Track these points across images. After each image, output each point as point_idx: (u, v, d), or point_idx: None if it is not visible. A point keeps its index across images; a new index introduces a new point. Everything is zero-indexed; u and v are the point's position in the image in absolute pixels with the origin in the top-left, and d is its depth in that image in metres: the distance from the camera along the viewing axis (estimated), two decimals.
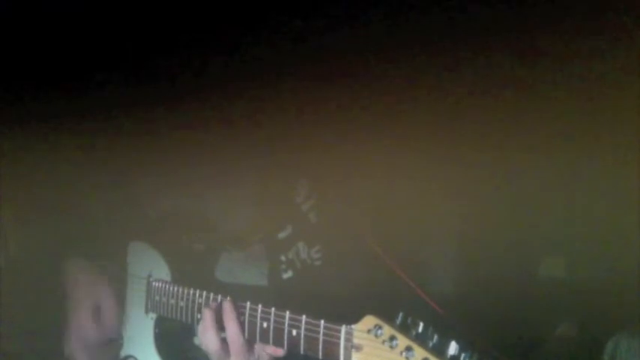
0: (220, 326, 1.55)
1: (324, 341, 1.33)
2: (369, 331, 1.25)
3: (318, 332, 1.34)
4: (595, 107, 1.90)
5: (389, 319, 1.24)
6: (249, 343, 1.53)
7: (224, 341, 1.55)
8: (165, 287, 1.80)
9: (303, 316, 1.38)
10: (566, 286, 2.12)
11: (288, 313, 1.42)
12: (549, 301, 2.05)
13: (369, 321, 1.26)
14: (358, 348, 1.27)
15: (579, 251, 2.10)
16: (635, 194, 1.83)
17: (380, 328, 1.23)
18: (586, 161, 1.97)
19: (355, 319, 1.28)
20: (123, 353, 1.96)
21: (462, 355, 1.14)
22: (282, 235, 1.90)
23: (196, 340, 1.84)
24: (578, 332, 2.06)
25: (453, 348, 1.15)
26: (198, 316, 1.65)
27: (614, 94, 1.83)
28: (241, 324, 1.53)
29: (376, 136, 1.89)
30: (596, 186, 1.97)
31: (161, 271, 1.85)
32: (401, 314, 1.22)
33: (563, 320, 2.07)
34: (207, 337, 1.56)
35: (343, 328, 1.30)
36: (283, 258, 1.91)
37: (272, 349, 1.48)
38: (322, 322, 1.34)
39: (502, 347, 1.62)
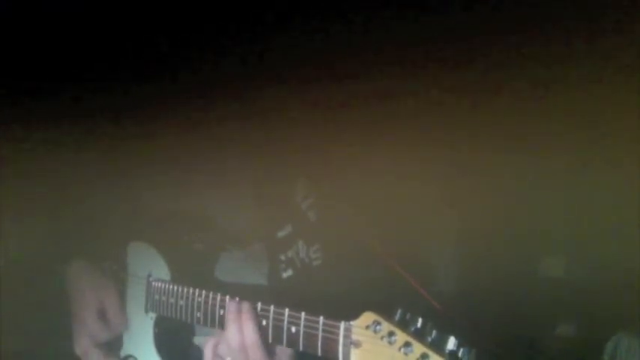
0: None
1: (323, 337, 1.33)
2: (367, 327, 1.25)
3: (317, 329, 1.34)
4: (595, 107, 1.90)
5: (388, 315, 1.24)
6: (271, 347, 1.50)
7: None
8: (164, 286, 1.80)
9: (302, 313, 1.38)
10: (566, 286, 2.11)
11: (287, 310, 1.42)
12: (549, 301, 2.05)
13: (367, 317, 1.26)
14: (357, 344, 1.26)
15: (579, 251, 2.10)
16: (635, 194, 1.83)
17: (379, 324, 1.23)
18: (586, 161, 1.97)
19: (354, 315, 1.28)
20: (123, 353, 1.96)
21: (461, 350, 1.14)
22: (281, 234, 1.90)
23: (196, 340, 1.85)
24: (578, 332, 2.06)
25: (451, 343, 1.15)
26: (198, 314, 1.65)
27: (614, 95, 1.83)
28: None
29: (376, 135, 1.90)
30: (596, 186, 1.97)
31: (161, 270, 1.85)
32: (399, 310, 1.22)
33: (562, 320, 2.07)
34: (244, 332, 1.49)
35: (342, 325, 1.30)
36: (283, 257, 1.90)
37: None
38: (321, 318, 1.34)
39: (501, 344, 1.62)
